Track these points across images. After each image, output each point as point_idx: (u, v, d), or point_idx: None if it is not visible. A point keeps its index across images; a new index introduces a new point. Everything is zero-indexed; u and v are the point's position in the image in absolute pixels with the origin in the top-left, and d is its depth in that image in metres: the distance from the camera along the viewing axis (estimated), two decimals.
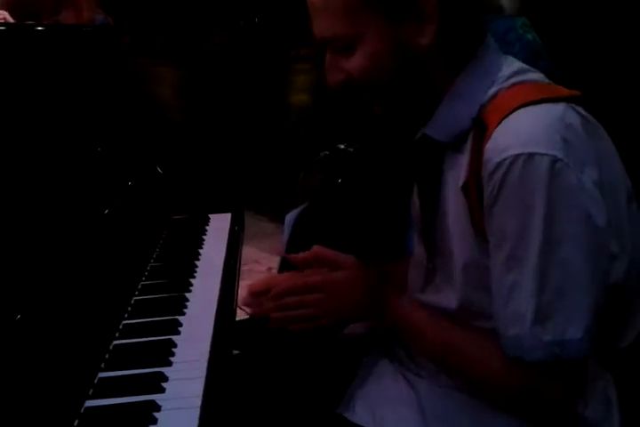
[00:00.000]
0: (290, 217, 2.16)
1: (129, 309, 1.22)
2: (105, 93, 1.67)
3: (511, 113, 0.91)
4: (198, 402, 0.97)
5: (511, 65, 1.01)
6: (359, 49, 0.97)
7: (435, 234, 1.06)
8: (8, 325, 0.91)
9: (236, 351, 1.29)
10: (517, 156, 0.88)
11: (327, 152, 2.12)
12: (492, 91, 0.97)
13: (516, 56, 1.04)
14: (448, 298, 1.04)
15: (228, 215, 1.69)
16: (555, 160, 0.87)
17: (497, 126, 0.92)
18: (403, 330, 1.08)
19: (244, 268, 1.53)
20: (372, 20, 0.96)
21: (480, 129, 0.94)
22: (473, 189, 0.95)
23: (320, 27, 0.99)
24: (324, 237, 1.86)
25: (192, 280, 1.34)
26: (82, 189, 1.32)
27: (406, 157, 1.18)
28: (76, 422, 0.93)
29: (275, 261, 1.75)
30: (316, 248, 1.15)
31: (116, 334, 1.14)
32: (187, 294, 1.27)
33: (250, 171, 3.32)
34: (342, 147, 2.11)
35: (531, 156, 0.87)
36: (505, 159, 0.88)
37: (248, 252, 1.62)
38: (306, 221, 1.97)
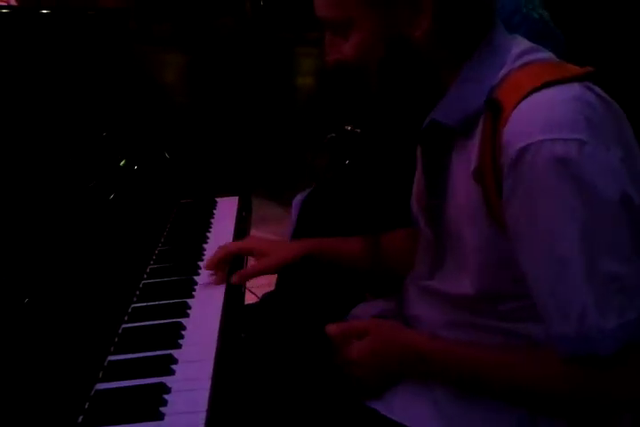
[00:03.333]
0: (297, 200, 2.15)
1: (137, 292, 1.23)
2: (110, 78, 1.66)
3: (528, 95, 0.89)
4: (208, 384, 0.97)
5: (519, 44, 0.99)
6: (351, 35, 0.97)
7: (443, 219, 1.04)
8: (16, 309, 0.91)
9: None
10: (543, 141, 0.85)
11: (334, 134, 2.11)
12: (502, 71, 0.95)
13: None
14: (462, 284, 1.01)
15: (236, 199, 1.69)
16: (582, 143, 0.85)
17: (514, 109, 0.89)
18: (437, 366, 1.02)
19: None
20: (363, 8, 0.95)
21: (494, 111, 0.92)
22: (489, 175, 0.92)
23: (316, 5, 1.00)
24: (332, 219, 1.86)
25: (200, 263, 1.34)
26: (87, 174, 1.31)
27: (411, 143, 1.17)
28: (86, 405, 0.94)
29: None
30: (332, 328, 1.08)
31: (125, 318, 1.14)
32: (195, 277, 1.27)
33: (256, 155, 3.32)
34: (349, 128, 2.09)
35: (557, 141, 0.85)
36: (529, 145, 0.86)
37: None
38: (313, 203, 1.97)
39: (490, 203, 0.93)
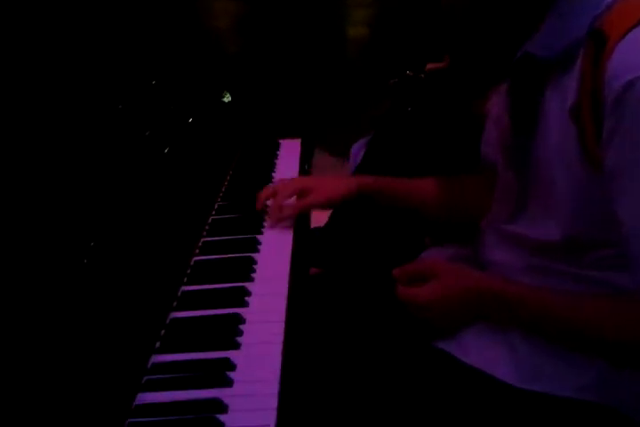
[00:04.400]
0: (356, 147, 2.12)
1: (207, 227, 1.22)
2: (160, 27, 1.62)
3: (638, 25, 0.82)
4: (282, 316, 0.96)
5: None
6: None
7: (530, 160, 0.98)
8: (99, 238, 0.91)
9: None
10: None
11: (396, 79, 2.05)
12: (607, 0, 0.87)
13: None
14: (548, 230, 0.97)
15: (298, 141, 1.66)
16: None
17: (621, 40, 0.83)
18: (518, 310, 0.98)
19: None
20: None
21: (598, 42, 0.85)
22: (587, 112, 0.86)
23: None
24: (393, 167, 1.83)
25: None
26: (143, 121, 1.27)
27: (492, 80, 1.12)
28: (162, 332, 0.94)
29: None
30: (397, 271, 1.05)
31: (196, 251, 1.14)
32: (263, 215, 1.26)
33: (313, 101, 3.28)
34: (411, 74, 2.04)
35: None
36: (638, 78, 0.80)
37: None
38: (374, 150, 1.93)
39: (586, 143, 0.88)
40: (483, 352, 1.02)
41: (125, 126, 1.20)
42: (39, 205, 0.90)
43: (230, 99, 1.75)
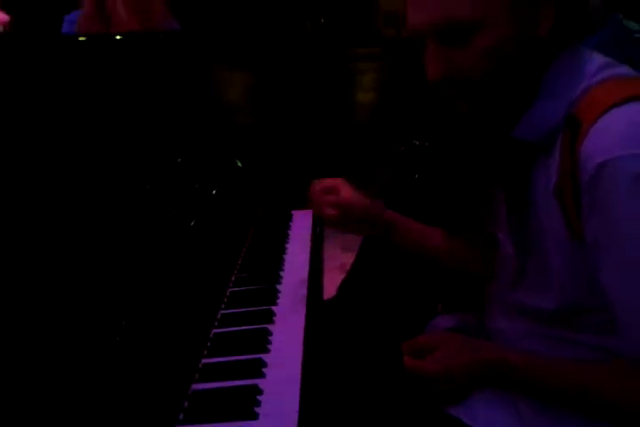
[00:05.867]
0: None
1: (225, 300, 1.28)
2: (183, 101, 1.69)
3: (608, 111, 0.90)
4: (297, 386, 1.02)
5: (595, 58, 0.99)
6: (477, 39, 0.92)
7: (524, 235, 1.06)
8: (128, 315, 0.98)
9: None
10: (622, 157, 0.86)
11: (403, 148, 2.14)
12: (581, 86, 0.95)
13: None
14: (544, 299, 1.03)
15: (310, 212, 1.74)
16: None
17: (593, 125, 0.90)
18: (519, 378, 1.02)
19: None
20: (499, 4, 0.91)
21: (573, 127, 0.93)
22: (568, 191, 0.93)
23: (431, 12, 0.92)
24: None
25: (281, 273, 1.39)
26: (167, 200, 1.33)
27: (490, 158, 1.18)
28: (185, 404, 0.99)
29: (348, 257, 1.80)
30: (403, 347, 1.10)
31: (215, 324, 1.20)
32: (277, 286, 1.32)
33: (321, 170, 3.37)
34: (417, 143, 2.12)
35: (636, 156, 0.86)
36: (608, 160, 0.87)
37: None
38: None
39: (569, 219, 0.95)
40: (491, 418, 1.06)
41: (152, 205, 1.28)
42: (77, 286, 0.98)
43: (240, 166, 1.81)
